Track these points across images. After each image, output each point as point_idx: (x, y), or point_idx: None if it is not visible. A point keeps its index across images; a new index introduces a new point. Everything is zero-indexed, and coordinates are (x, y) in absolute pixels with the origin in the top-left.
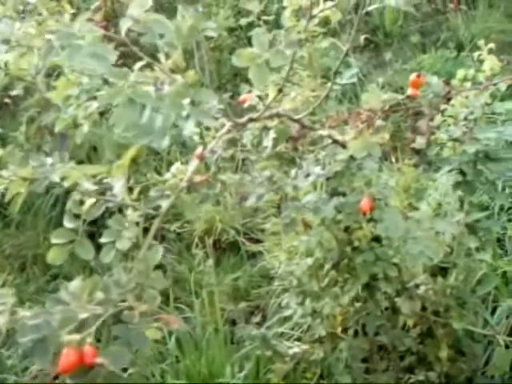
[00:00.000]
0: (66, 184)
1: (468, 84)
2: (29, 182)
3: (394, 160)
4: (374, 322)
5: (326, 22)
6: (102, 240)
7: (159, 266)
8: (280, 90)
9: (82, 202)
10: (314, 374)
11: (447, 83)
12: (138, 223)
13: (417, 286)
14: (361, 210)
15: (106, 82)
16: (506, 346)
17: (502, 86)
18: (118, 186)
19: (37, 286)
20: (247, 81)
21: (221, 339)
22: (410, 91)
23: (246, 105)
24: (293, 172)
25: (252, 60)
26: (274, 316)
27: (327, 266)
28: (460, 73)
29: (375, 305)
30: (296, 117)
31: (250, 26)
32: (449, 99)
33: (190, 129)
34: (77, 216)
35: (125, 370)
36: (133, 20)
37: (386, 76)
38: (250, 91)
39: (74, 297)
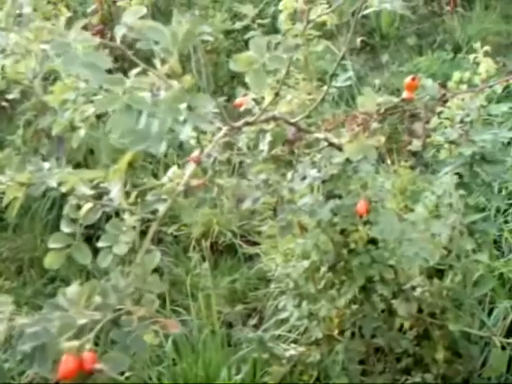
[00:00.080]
0: (63, 189)
1: (464, 86)
2: (26, 186)
3: (390, 162)
4: (370, 324)
5: (321, 24)
6: (100, 244)
7: (156, 269)
8: (276, 94)
9: (78, 207)
10: (310, 376)
11: (442, 86)
12: (135, 227)
13: (413, 288)
14: (357, 212)
15: (102, 86)
16: (503, 348)
17: (498, 88)
18: (115, 190)
19: (34, 289)
20: (244, 84)
21: (218, 342)
22: (405, 94)
23: (241, 109)
24: (289, 175)
25: (249, 65)
26: (271, 318)
27: (323, 269)
28: (456, 75)
29: (372, 307)
30: (292, 120)
31: (247, 28)
32: (445, 101)
33: (187, 134)
34: (74, 220)
35: (122, 373)
36: (127, 27)
37: (382, 78)
38: (245, 94)
39: (72, 302)
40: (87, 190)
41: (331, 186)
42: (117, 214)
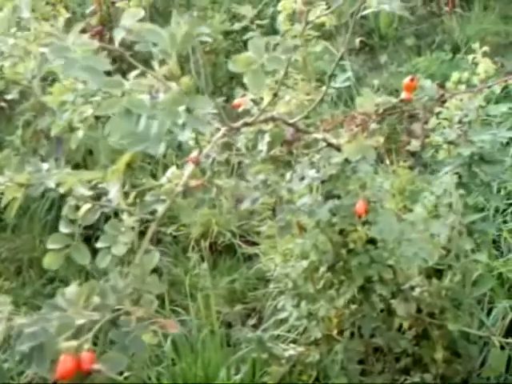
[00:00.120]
0: (62, 190)
1: (463, 87)
2: (25, 187)
3: (389, 162)
4: (369, 324)
5: (320, 25)
6: (98, 245)
7: (155, 270)
8: (275, 95)
9: (77, 207)
10: (309, 376)
11: (441, 86)
12: (133, 228)
13: (412, 288)
14: (356, 212)
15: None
16: (502, 347)
17: (497, 89)
18: (113, 191)
19: (33, 289)
20: (243, 84)
21: (217, 342)
22: (403, 95)
23: (240, 109)
24: (288, 175)
25: (248, 65)
26: (270, 318)
27: (322, 269)
28: (454, 75)
29: (371, 307)
30: (290, 120)
31: (245, 29)
32: (444, 102)
33: (186, 137)
34: (72, 221)
35: (121, 373)
36: (126, 30)
37: (381, 78)
38: (244, 95)
39: (71, 303)
40: (85, 191)
41: (330, 186)
42: (116, 214)
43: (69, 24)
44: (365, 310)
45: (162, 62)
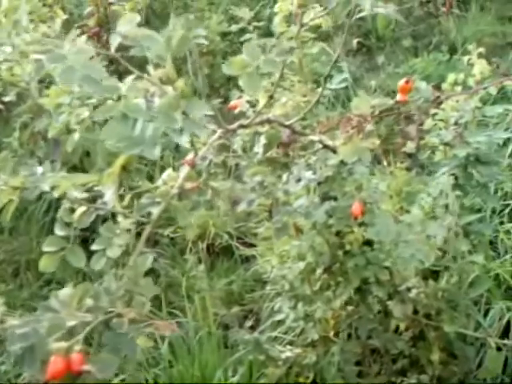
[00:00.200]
0: (56, 193)
1: (459, 88)
2: (20, 190)
3: (386, 163)
4: (366, 325)
5: (317, 26)
6: (94, 247)
7: (152, 271)
8: (271, 97)
9: (72, 210)
10: (306, 377)
11: (436, 88)
12: (129, 230)
13: (408, 290)
14: (352, 214)
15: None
16: (499, 349)
17: (493, 90)
18: (109, 193)
19: (30, 291)
20: (239, 86)
21: (214, 344)
22: (399, 96)
23: (236, 111)
24: (284, 177)
25: (243, 68)
26: (267, 320)
27: (319, 270)
28: (450, 77)
29: (367, 308)
30: (287, 122)
31: (243, 31)
32: (440, 103)
33: (184, 141)
34: (68, 224)
35: (116, 375)
36: (122, 36)
37: (378, 79)
38: (240, 97)
39: (64, 304)
40: (80, 194)
41: (326, 187)
42: (113, 216)
43: (66, 25)
44: (361, 311)
45: (158, 66)
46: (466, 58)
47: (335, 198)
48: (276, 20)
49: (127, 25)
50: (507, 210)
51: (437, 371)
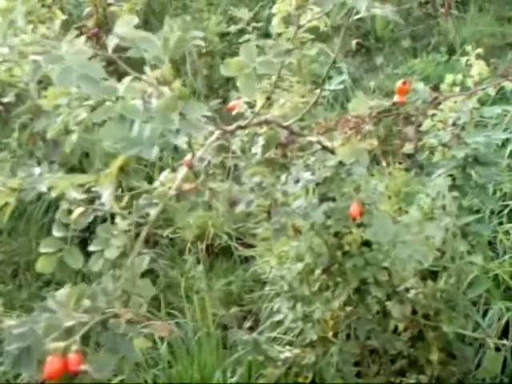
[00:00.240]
0: (54, 194)
1: (457, 89)
2: (17, 191)
3: (385, 164)
4: (364, 325)
5: (315, 27)
6: (91, 248)
7: (151, 272)
8: (268, 98)
9: (70, 211)
10: (305, 378)
11: (434, 89)
12: (126, 231)
13: (407, 290)
14: (350, 215)
15: None
16: (497, 349)
17: (492, 91)
18: (106, 194)
19: (29, 292)
20: (238, 87)
21: (213, 344)
22: (396, 98)
23: (234, 112)
24: (283, 177)
25: (240, 69)
26: (266, 321)
27: (318, 271)
28: (449, 78)
29: (366, 309)
30: (285, 123)
31: (242, 32)
32: (438, 104)
33: (180, 142)
34: (66, 225)
35: (115, 376)
36: (119, 38)
37: (377, 80)
38: (238, 98)
39: (61, 305)
40: (77, 195)
41: (324, 188)
42: (112, 217)
43: (65, 26)
44: (360, 312)
45: (155, 67)
46: (464, 59)
47: (333, 199)
48: (274, 21)
49: (124, 26)
50: (506, 211)
51: (436, 371)
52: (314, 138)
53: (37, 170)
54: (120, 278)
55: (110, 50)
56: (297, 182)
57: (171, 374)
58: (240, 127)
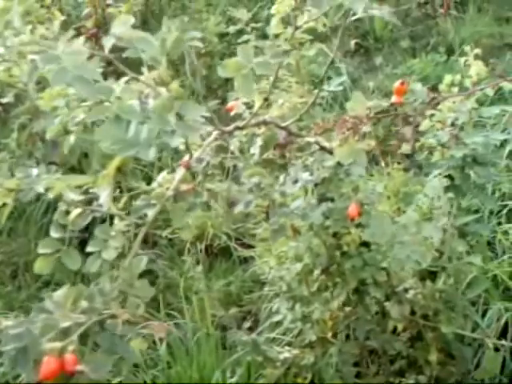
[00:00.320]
0: (51, 195)
1: (455, 89)
2: (15, 192)
3: (384, 164)
4: (363, 326)
5: (314, 28)
6: (89, 249)
7: (150, 272)
8: (266, 99)
9: (68, 212)
10: (304, 378)
11: (432, 89)
12: (124, 232)
13: (406, 291)
14: (348, 215)
15: None
16: (496, 349)
17: (490, 91)
18: (104, 195)
19: (28, 293)
20: None
21: (212, 345)
22: (394, 98)
23: (232, 113)
24: (281, 178)
25: (237, 70)
26: (265, 321)
27: (316, 272)
28: (447, 78)
29: (365, 309)
30: (283, 124)
31: (240, 32)
32: (437, 104)
33: (176, 142)
34: (63, 226)
35: (114, 376)
36: (116, 38)
37: (376, 80)
38: (237, 98)
39: (58, 305)
40: (75, 196)
41: (323, 189)
42: (112, 218)
43: (64, 27)
44: (359, 312)
45: (152, 68)
46: (462, 60)
47: (332, 200)
48: (273, 21)
49: (121, 26)
50: (505, 211)
51: (435, 372)
52: (312, 139)
53: (34, 171)
54: (118, 278)
55: (106, 51)
56: (295, 182)
57: (170, 374)
58: (238, 128)
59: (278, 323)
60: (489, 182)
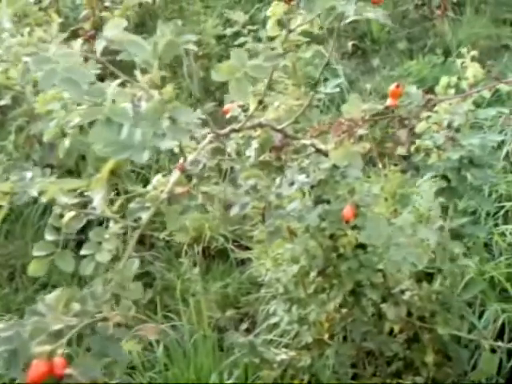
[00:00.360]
0: (44, 199)
1: (452, 91)
2: (9, 195)
3: (381, 166)
4: (360, 328)
5: (309, 31)
6: (82, 252)
7: (148, 274)
8: (260, 102)
9: (62, 216)
10: (301, 380)
11: (429, 91)
12: (119, 235)
13: (402, 292)
14: (344, 217)
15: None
16: (493, 351)
17: (487, 93)
18: (98, 198)
19: (25, 295)
20: None
21: (209, 347)
22: (389, 101)
23: (228, 116)
24: (277, 180)
25: (231, 74)
26: (262, 323)
27: (313, 273)
28: (443, 80)
29: (361, 311)
30: (279, 126)
31: (238, 34)
32: (433, 106)
33: (167, 146)
34: (57, 229)
35: (110, 378)
36: (108, 41)
37: (373, 82)
38: (232, 101)
39: (50, 308)
40: (68, 200)
41: (319, 191)
42: (108, 220)
43: (62, 29)
44: (355, 314)
45: (145, 71)
46: (459, 62)
47: (328, 202)
48: (269, 24)
49: (113, 29)
50: (502, 213)
51: (431, 373)
52: (308, 141)
53: (29, 174)
54: (111, 281)
55: (98, 54)
56: (291, 184)
57: (167, 376)
58: (234, 130)
59: (275, 325)
60: (485, 183)
